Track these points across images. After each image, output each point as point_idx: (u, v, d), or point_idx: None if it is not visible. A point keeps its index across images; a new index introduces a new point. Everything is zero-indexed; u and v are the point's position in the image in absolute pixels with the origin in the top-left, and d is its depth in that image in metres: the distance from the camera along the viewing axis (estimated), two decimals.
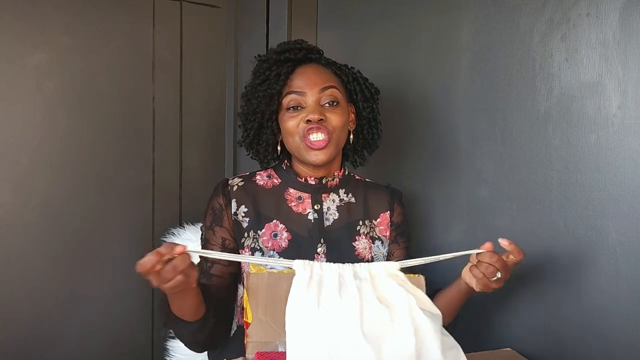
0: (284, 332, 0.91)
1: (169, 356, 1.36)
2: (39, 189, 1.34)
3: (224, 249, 1.11)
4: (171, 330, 1.10)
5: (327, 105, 1.09)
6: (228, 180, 1.16)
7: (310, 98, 1.08)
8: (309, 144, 1.07)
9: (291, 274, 1.00)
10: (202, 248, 1.15)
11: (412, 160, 1.38)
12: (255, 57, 1.16)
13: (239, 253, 1.11)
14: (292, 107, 1.09)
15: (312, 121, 1.06)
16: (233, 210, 1.11)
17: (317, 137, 1.07)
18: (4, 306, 1.32)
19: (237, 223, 1.11)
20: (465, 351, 0.99)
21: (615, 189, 0.96)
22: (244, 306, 0.95)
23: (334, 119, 1.08)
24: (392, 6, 1.40)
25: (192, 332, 1.03)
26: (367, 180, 1.23)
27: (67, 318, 1.39)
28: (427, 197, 1.31)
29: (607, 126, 0.96)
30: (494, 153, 1.16)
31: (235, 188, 1.13)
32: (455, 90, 1.24)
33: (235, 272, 1.13)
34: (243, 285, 1.09)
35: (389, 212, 1.18)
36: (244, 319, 0.95)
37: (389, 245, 1.17)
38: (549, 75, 1.04)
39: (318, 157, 1.08)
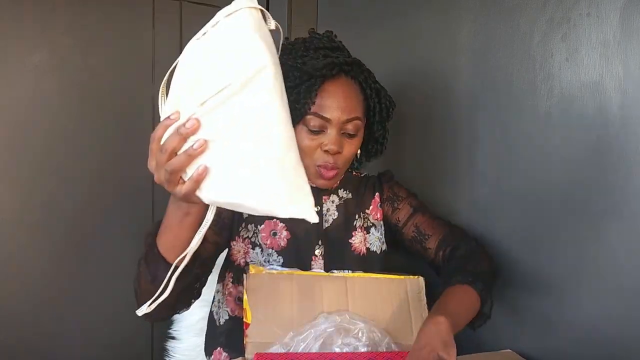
0: (284, 332, 0.91)
1: (168, 357, 1.36)
2: (38, 189, 1.34)
3: (219, 219, 1.08)
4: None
5: (347, 135, 1.05)
6: None
7: (334, 127, 1.03)
8: (319, 172, 1.06)
9: (290, 274, 1.00)
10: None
11: (412, 160, 1.37)
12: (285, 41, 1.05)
13: (229, 229, 1.10)
14: (315, 130, 1.03)
15: (329, 152, 1.03)
16: None
17: (330, 173, 1.06)
18: (4, 306, 1.32)
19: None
20: (466, 352, 0.99)
21: (616, 189, 0.95)
22: (244, 307, 0.95)
23: (349, 149, 1.06)
24: (392, 6, 1.40)
25: (167, 276, 0.81)
26: (362, 174, 1.25)
27: (66, 318, 1.39)
28: (427, 197, 1.30)
29: (607, 126, 0.96)
30: (494, 153, 1.16)
31: None
32: (455, 90, 1.24)
33: (221, 244, 1.10)
34: (241, 284, 1.09)
35: (377, 194, 1.20)
36: (244, 319, 0.95)
37: (390, 214, 1.19)
38: (549, 75, 1.04)
39: (325, 184, 1.08)
